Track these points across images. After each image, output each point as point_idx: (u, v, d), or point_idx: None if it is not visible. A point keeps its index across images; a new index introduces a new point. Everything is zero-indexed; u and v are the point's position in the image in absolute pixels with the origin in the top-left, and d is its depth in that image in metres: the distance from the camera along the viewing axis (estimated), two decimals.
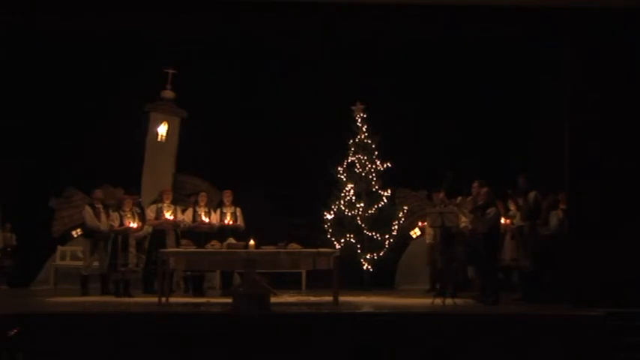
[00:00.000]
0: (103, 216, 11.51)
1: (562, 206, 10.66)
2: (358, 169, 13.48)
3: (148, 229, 11.54)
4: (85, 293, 11.36)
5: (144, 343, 8.46)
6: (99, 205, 11.59)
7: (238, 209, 12.00)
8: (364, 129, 13.61)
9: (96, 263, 11.57)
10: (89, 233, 11.63)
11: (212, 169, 13.92)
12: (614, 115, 9.97)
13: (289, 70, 13.43)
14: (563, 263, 10.17)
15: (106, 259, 11.40)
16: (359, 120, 13.67)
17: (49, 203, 13.90)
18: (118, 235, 11.21)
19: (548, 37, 10.71)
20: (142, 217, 11.49)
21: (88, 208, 11.60)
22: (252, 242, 10.50)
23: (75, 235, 13.39)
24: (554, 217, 10.51)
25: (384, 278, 13.09)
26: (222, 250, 10.67)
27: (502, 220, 10.77)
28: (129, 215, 11.28)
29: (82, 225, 12.02)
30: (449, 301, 9.89)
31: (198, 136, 13.88)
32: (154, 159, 14.21)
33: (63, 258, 13.02)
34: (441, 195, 11.46)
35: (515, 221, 10.80)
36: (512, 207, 10.95)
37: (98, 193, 11.81)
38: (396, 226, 13.21)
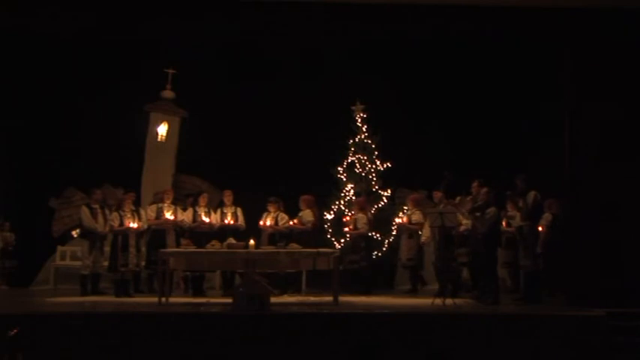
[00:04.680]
0: (100, 217, 11.49)
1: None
2: (358, 169, 13.48)
3: (144, 225, 11.55)
4: (84, 293, 11.36)
5: (144, 343, 8.47)
6: (95, 206, 11.56)
7: (239, 209, 12.00)
8: (364, 129, 13.61)
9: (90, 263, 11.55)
10: (86, 233, 11.62)
11: (212, 169, 13.93)
12: (613, 115, 9.98)
13: (289, 70, 13.41)
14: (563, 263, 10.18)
15: (101, 260, 11.41)
16: (359, 120, 13.67)
17: (49, 203, 13.90)
18: (118, 235, 11.21)
19: (548, 37, 10.71)
20: (139, 216, 11.48)
21: (85, 209, 11.57)
22: (252, 242, 10.51)
23: (75, 235, 13.39)
24: None
25: (384, 278, 13.08)
26: (222, 250, 10.66)
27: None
28: (129, 215, 11.27)
29: (79, 225, 11.99)
30: (449, 301, 9.89)
31: (198, 136, 13.89)
32: (154, 159, 14.22)
33: (63, 258, 13.03)
34: (440, 195, 11.49)
35: (515, 222, 10.81)
36: (510, 208, 10.93)
37: (98, 194, 11.78)
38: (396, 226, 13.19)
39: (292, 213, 12.25)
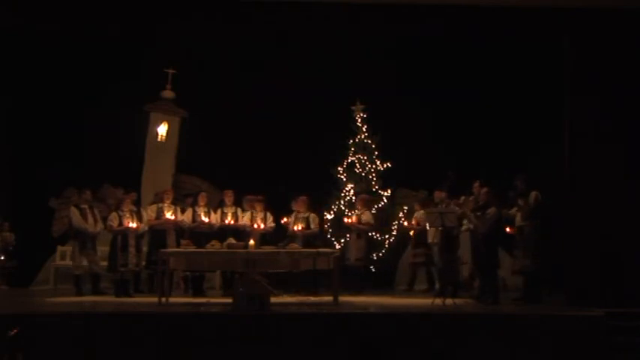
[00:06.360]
0: (89, 217, 11.50)
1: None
2: (358, 169, 13.49)
3: (144, 226, 11.54)
4: (78, 293, 11.36)
5: (144, 343, 8.47)
6: (84, 206, 11.57)
7: (239, 209, 12.00)
8: (364, 129, 13.62)
9: (85, 263, 11.53)
10: (76, 234, 11.61)
11: (212, 169, 13.94)
12: (613, 115, 9.98)
13: (289, 70, 13.41)
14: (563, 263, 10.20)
15: (96, 259, 11.44)
16: (359, 120, 13.68)
17: (49, 203, 13.91)
18: (117, 235, 11.21)
19: (548, 36, 10.72)
20: (139, 216, 11.48)
21: (74, 209, 11.56)
22: (252, 242, 10.50)
23: None
24: None
25: (384, 278, 13.09)
26: (222, 250, 10.66)
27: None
28: (127, 215, 11.27)
29: (69, 226, 11.94)
30: (449, 301, 9.89)
31: (198, 136, 13.90)
32: (154, 159, 14.23)
33: (63, 258, 13.04)
34: (443, 194, 11.48)
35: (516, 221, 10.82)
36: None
37: (87, 194, 11.77)
38: (396, 226, 13.20)
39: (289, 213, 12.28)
